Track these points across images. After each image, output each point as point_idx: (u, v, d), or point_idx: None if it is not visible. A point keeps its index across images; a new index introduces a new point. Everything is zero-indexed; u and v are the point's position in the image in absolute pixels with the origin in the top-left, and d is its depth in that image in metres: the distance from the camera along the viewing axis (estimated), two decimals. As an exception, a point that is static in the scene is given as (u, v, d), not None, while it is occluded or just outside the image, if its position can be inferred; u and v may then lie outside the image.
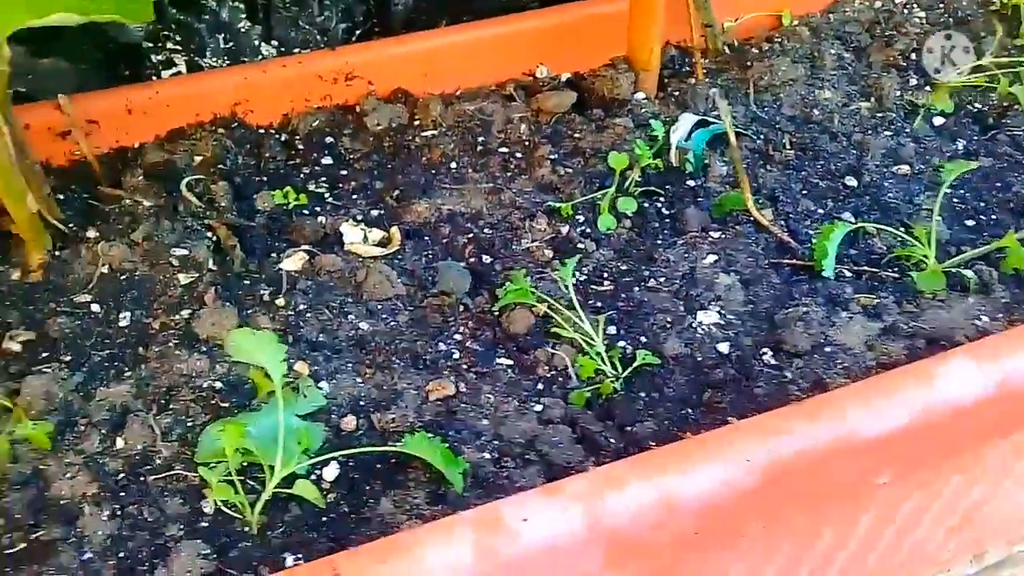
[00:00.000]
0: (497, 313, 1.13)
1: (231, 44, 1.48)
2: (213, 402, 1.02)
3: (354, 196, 1.34)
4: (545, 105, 1.47)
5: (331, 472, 0.97)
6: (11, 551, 0.90)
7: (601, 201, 1.27)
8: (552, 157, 1.38)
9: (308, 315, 1.12)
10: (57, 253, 1.20)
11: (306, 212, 1.30)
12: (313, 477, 0.96)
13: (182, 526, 0.92)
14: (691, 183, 1.34)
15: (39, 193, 1.17)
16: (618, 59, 1.52)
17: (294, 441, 0.96)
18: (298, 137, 1.42)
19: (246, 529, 0.92)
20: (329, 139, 1.43)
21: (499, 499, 0.84)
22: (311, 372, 1.05)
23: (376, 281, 1.13)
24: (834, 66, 1.58)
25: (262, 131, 1.43)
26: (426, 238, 1.23)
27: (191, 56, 1.46)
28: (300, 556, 0.89)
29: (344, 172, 1.38)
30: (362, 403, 1.03)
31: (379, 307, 1.13)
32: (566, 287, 1.12)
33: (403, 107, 1.47)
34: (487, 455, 0.97)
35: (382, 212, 1.30)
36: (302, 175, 1.37)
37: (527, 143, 1.42)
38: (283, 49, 1.53)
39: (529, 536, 0.77)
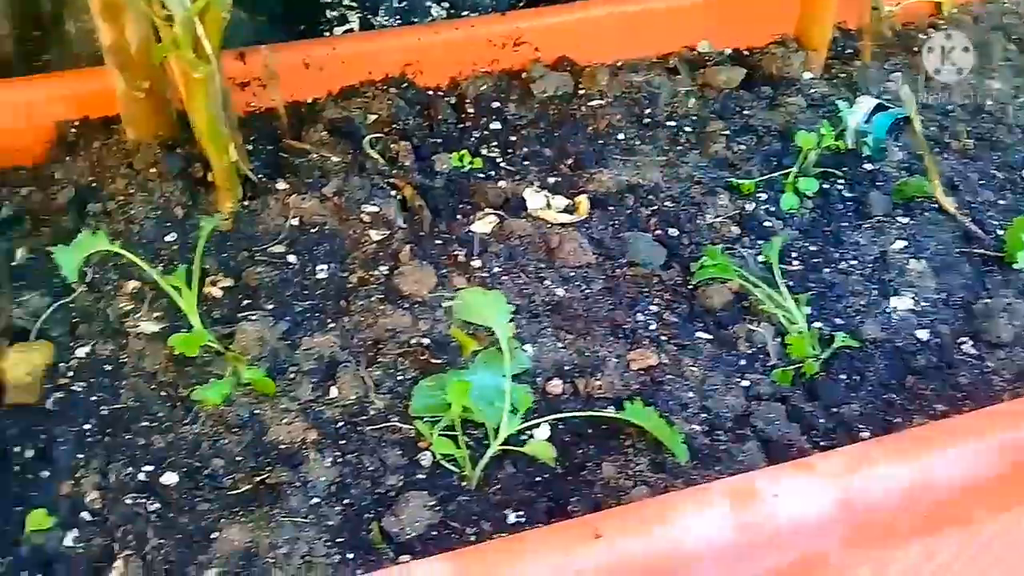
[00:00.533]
0: (692, 287, 1.13)
1: (404, 3, 1.48)
2: (423, 358, 1.04)
3: (526, 162, 1.34)
4: (713, 80, 1.46)
5: (541, 434, 0.98)
6: (236, 492, 0.93)
7: (784, 180, 1.27)
8: (725, 133, 1.37)
9: (504, 278, 1.13)
10: (246, 203, 1.22)
11: (481, 176, 1.31)
12: (523, 438, 0.97)
13: (402, 477, 0.94)
14: (868, 167, 1.33)
15: (236, 142, 1.19)
16: (786, 37, 1.51)
17: (504, 401, 0.98)
18: (466, 101, 1.43)
19: (464, 484, 0.93)
20: (496, 104, 1.43)
21: (741, 473, 0.86)
22: (514, 334, 1.06)
23: (571, 248, 1.14)
24: (1000, 57, 1.56)
25: (430, 93, 1.43)
26: (610, 208, 1.23)
27: (364, 14, 1.46)
28: (522, 514, 0.90)
29: (513, 138, 1.38)
30: (566, 368, 1.04)
31: (572, 274, 1.14)
32: (766, 265, 1.12)
33: (568, 75, 1.46)
34: (697, 427, 0.98)
35: (559, 180, 1.30)
36: (473, 139, 1.38)
37: (695, 118, 1.41)
38: (453, 11, 1.53)
39: (782, 510, 0.78)
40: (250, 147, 1.29)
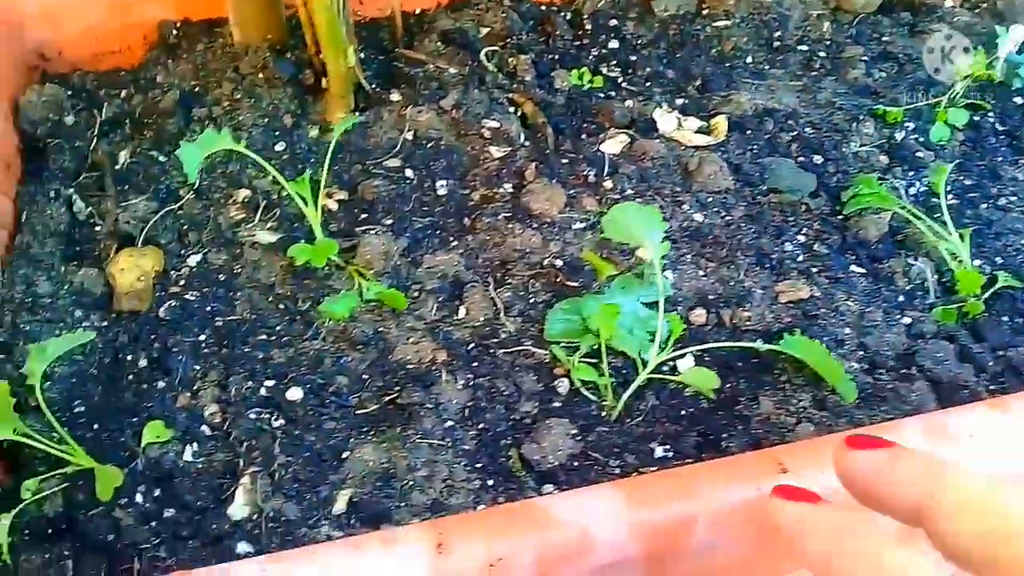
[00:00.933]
0: (843, 217, 1.05)
1: (520, -89, 1.39)
2: (556, 280, 0.97)
3: (648, 83, 1.25)
4: (848, 4, 1.35)
5: (685, 364, 0.91)
6: (364, 411, 0.87)
7: (934, 109, 1.17)
8: (864, 59, 1.27)
9: (637, 200, 1.05)
10: (358, 114, 1.15)
11: (602, 95, 1.22)
12: (664, 368, 0.90)
13: (537, 404, 0.87)
14: (1019, 100, 1.23)
15: (354, 46, 1.12)
16: (928, -40, 1.40)
17: (644, 329, 0.91)
18: (583, 17, 1.34)
19: (604, 414, 0.87)
20: (614, 22, 1.34)
21: (910, 415, 0.79)
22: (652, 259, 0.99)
23: (711, 171, 1.06)
24: None
25: (544, 7, 1.35)
26: (747, 131, 1.15)
27: (478, -80, 1.37)
28: (669, 448, 0.84)
29: (633, 58, 1.29)
30: (710, 297, 0.97)
31: (711, 199, 1.06)
32: (917, 198, 1.03)
33: (691, -6, 1.37)
34: (856, 364, 0.90)
35: (686, 102, 1.21)
36: (592, 57, 1.29)
37: (829, 43, 1.32)
38: (570, -79, 1.43)
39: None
40: (360, 57, 1.21)
